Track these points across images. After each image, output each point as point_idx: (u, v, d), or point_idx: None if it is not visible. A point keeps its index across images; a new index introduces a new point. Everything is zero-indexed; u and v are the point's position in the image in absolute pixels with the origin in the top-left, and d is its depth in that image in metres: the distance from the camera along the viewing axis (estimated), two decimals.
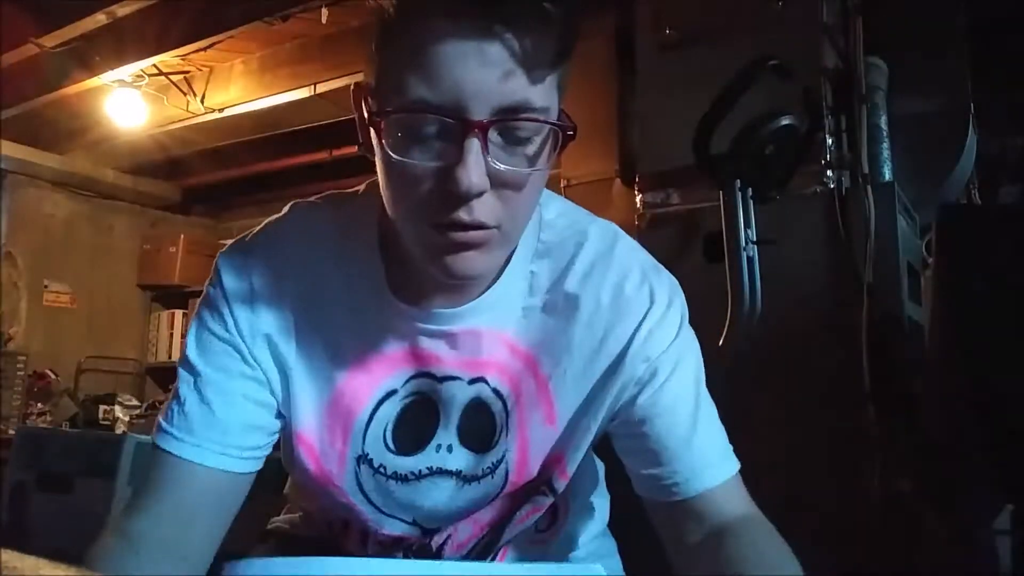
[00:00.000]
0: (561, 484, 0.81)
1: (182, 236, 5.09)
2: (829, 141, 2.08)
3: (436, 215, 0.62)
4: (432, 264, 0.65)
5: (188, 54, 3.63)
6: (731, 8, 2.24)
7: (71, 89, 3.78)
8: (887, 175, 2.16)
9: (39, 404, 4.36)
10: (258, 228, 0.80)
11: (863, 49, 2.15)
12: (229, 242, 0.83)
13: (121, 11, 3.10)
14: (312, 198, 0.82)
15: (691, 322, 0.86)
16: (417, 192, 0.62)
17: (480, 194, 0.60)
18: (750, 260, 1.80)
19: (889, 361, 1.87)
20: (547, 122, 0.62)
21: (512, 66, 0.58)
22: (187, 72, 3.91)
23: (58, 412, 4.34)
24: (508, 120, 0.60)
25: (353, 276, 0.75)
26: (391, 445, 0.77)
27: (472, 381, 0.76)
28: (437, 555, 0.83)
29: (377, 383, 0.76)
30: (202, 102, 3.94)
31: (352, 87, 0.69)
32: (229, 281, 0.75)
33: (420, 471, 0.78)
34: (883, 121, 2.19)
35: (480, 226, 0.62)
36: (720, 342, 1.75)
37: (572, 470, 0.80)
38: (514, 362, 0.76)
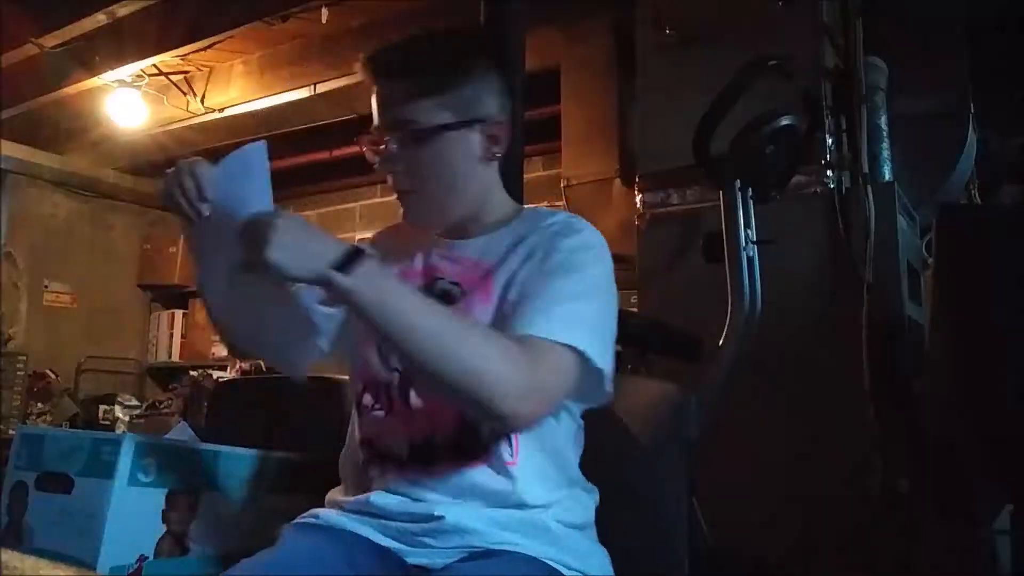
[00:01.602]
0: None
1: (182, 236, 5.07)
2: (829, 141, 2.08)
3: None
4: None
5: (188, 54, 3.63)
6: (731, 8, 2.24)
7: (71, 89, 3.78)
8: (887, 175, 2.16)
9: (39, 404, 4.36)
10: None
11: (863, 49, 2.16)
12: None
13: (121, 11, 3.11)
14: None
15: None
16: None
17: (390, 172, 1.02)
18: (750, 260, 1.80)
19: (889, 361, 1.87)
20: (410, 130, 0.99)
21: (397, 100, 1.00)
22: (187, 72, 3.92)
23: (58, 412, 4.34)
24: (392, 131, 1.00)
25: (402, 233, 1.15)
26: None
27: (451, 283, 1.04)
28: (432, 446, 0.98)
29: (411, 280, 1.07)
30: (202, 102, 3.94)
31: None
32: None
33: None
34: (883, 121, 2.19)
35: (397, 191, 1.04)
36: (720, 342, 1.75)
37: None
38: (478, 273, 1.03)
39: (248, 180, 0.92)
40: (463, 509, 0.94)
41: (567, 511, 0.99)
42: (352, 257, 0.82)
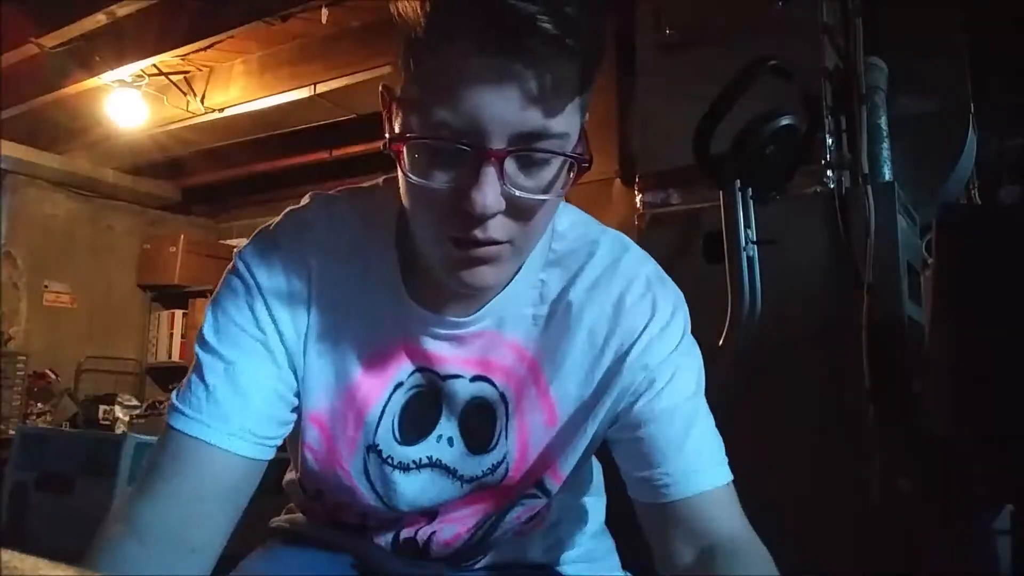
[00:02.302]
0: (554, 486, 0.83)
1: (182, 236, 5.09)
2: (829, 141, 2.07)
3: (452, 230, 0.65)
4: (447, 275, 0.69)
5: (188, 54, 3.63)
6: (731, 8, 2.24)
7: (71, 89, 3.78)
8: (887, 175, 2.16)
9: (39, 404, 4.36)
10: (280, 218, 0.82)
11: (863, 49, 2.15)
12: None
13: (121, 11, 3.10)
14: (331, 191, 0.84)
15: (691, 321, 0.86)
16: (435, 209, 0.65)
17: (494, 215, 0.63)
18: (750, 260, 1.80)
19: (889, 361, 1.87)
20: (561, 153, 0.65)
21: (532, 97, 0.61)
22: (187, 72, 3.91)
23: (58, 412, 4.34)
24: (523, 150, 0.63)
25: (371, 270, 0.78)
26: (397, 435, 0.80)
27: (474, 379, 0.78)
28: (424, 550, 0.85)
29: (389, 376, 0.79)
30: (202, 102, 3.93)
31: (380, 86, 0.71)
32: (253, 267, 0.77)
33: (420, 460, 0.80)
34: (883, 121, 2.19)
35: (493, 242, 0.65)
36: (720, 342, 1.75)
37: (566, 474, 0.82)
38: (519, 366, 0.78)
39: None
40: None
41: (588, 524, 0.95)
42: None
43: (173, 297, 5.18)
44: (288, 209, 0.82)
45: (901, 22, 2.32)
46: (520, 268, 0.76)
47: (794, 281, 1.97)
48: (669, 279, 0.85)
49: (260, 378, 0.74)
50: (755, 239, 1.81)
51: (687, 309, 0.84)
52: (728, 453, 0.83)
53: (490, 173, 0.61)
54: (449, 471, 0.80)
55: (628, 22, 2.52)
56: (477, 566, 0.89)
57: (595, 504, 0.99)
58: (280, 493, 1.11)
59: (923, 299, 2.09)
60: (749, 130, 1.77)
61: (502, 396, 0.79)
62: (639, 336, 0.78)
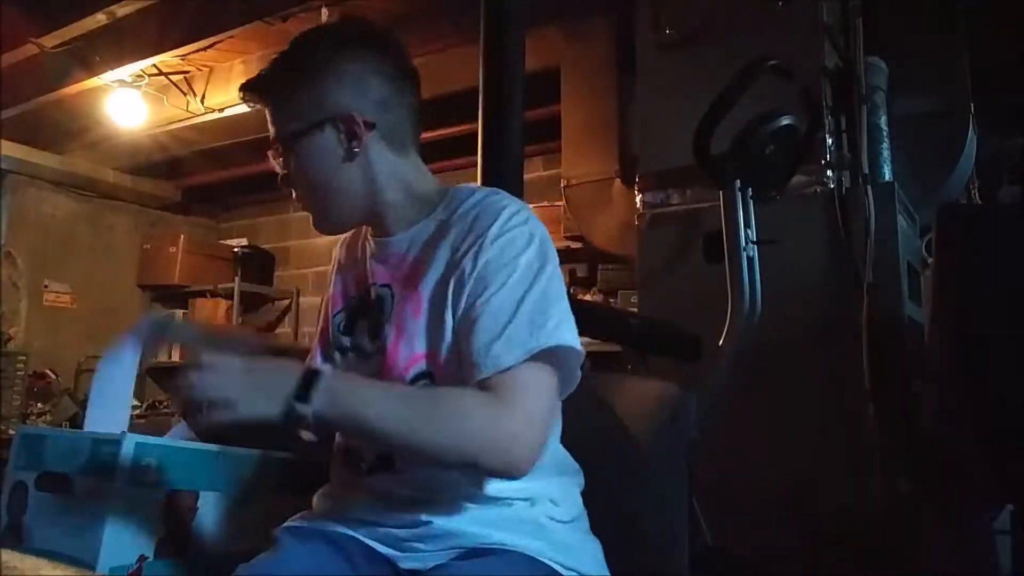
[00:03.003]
0: (443, 382, 0.96)
1: (182, 236, 5.09)
2: (829, 141, 2.08)
3: None
4: None
5: (188, 54, 3.63)
6: (731, 8, 2.24)
7: (71, 89, 3.78)
8: (887, 175, 2.16)
9: (39, 404, 4.36)
10: None
11: (863, 49, 2.16)
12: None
13: (121, 11, 3.10)
14: None
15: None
16: None
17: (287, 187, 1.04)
18: (750, 260, 1.80)
19: (889, 361, 1.87)
20: (283, 139, 1.01)
21: (271, 120, 1.03)
22: (187, 72, 3.91)
23: (58, 412, 4.33)
24: (274, 145, 1.03)
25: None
26: (341, 328, 1.10)
27: (382, 286, 1.04)
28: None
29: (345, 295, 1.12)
30: (202, 102, 3.94)
31: None
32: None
33: (348, 345, 1.07)
34: (883, 121, 2.19)
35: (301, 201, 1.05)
36: (720, 342, 1.75)
37: (442, 358, 0.96)
38: (407, 272, 1.01)
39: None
40: (449, 511, 0.93)
41: (556, 506, 0.97)
42: (308, 383, 0.83)
43: (173, 297, 5.17)
44: None
45: (901, 22, 2.32)
46: (428, 213, 1.02)
47: (794, 281, 1.97)
48: (528, 212, 1.00)
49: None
50: (755, 239, 1.81)
51: (542, 230, 0.98)
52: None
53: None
54: (364, 353, 1.04)
55: (628, 22, 2.52)
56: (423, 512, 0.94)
57: (555, 478, 0.99)
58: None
59: (923, 299, 2.09)
60: (749, 130, 1.77)
61: (392, 295, 1.02)
62: (473, 218, 0.97)
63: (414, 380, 0.96)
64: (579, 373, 0.96)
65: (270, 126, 1.02)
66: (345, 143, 0.99)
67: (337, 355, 1.08)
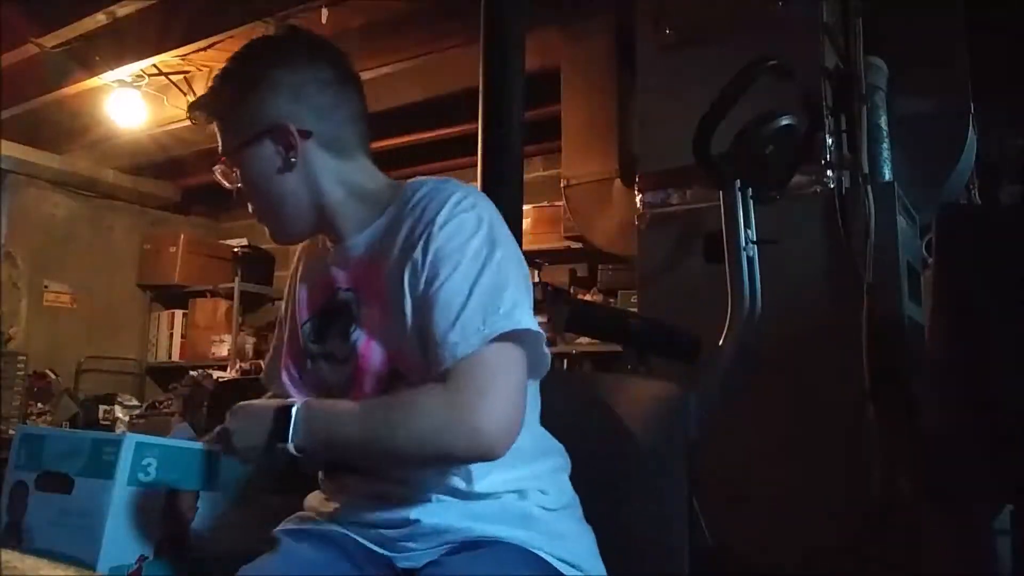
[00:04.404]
0: (412, 373, 0.95)
1: (182, 236, 5.08)
2: (829, 141, 2.08)
3: None
4: None
5: (188, 54, 3.63)
6: (731, 8, 2.24)
7: (71, 89, 3.78)
8: (887, 175, 2.16)
9: (39, 404, 4.36)
10: None
11: (863, 49, 2.15)
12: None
13: (121, 11, 3.10)
14: None
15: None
16: None
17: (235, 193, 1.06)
18: (750, 260, 1.80)
19: (889, 361, 1.87)
20: (217, 162, 1.05)
21: (216, 136, 1.06)
22: (187, 72, 3.91)
23: (58, 412, 4.33)
24: (218, 161, 1.06)
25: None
26: (312, 336, 1.09)
27: (346, 290, 1.04)
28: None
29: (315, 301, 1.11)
30: None
31: None
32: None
33: (318, 352, 1.07)
34: (883, 121, 2.19)
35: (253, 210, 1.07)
36: (720, 342, 1.75)
37: (414, 360, 0.94)
38: (368, 274, 1.01)
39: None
40: (436, 508, 0.93)
41: (546, 495, 0.97)
42: (281, 420, 0.89)
43: (173, 297, 5.17)
44: None
45: (901, 22, 2.32)
46: (384, 212, 1.02)
47: (794, 281, 1.97)
48: (478, 196, 0.99)
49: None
50: (755, 239, 1.81)
51: (491, 211, 0.98)
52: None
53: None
54: (335, 359, 1.04)
55: (628, 22, 2.52)
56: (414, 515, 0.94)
57: (540, 462, 0.99)
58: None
59: (923, 299, 2.09)
60: (749, 130, 1.77)
61: (357, 299, 1.02)
62: (422, 209, 0.97)
63: (390, 380, 0.97)
64: (545, 352, 0.96)
65: (219, 142, 1.05)
66: (283, 153, 1.00)
67: (309, 363, 1.09)
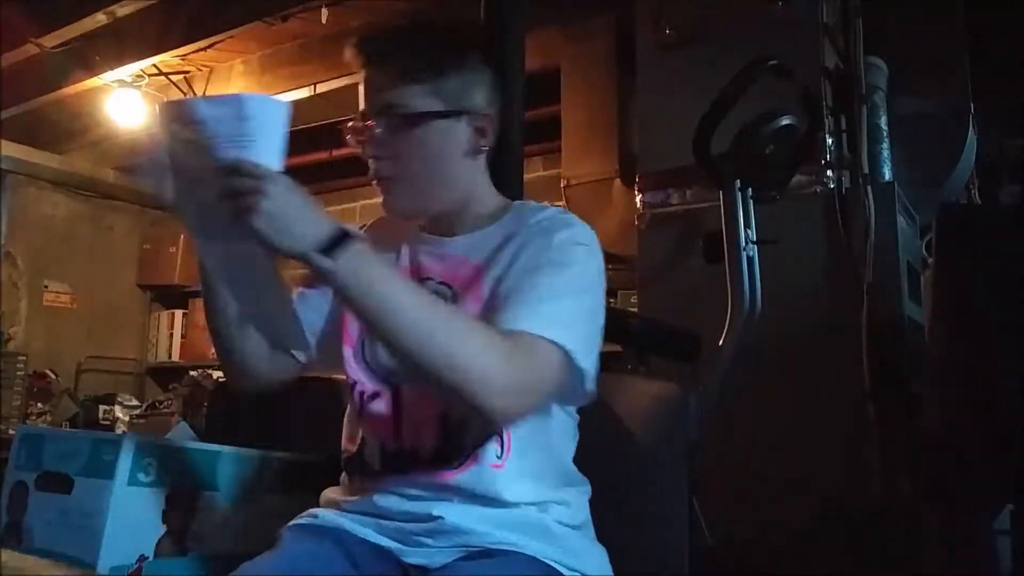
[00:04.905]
0: None
1: (182, 236, 5.07)
2: (829, 141, 2.08)
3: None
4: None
5: (188, 54, 3.63)
6: (731, 8, 2.24)
7: (71, 89, 3.77)
8: (887, 175, 2.16)
9: (39, 404, 4.36)
10: None
11: (863, 49, 2.15)
12: None
13: (121, 11, 3.10)
14: None
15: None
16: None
17: (372, 157, 1.01)
18: (750, 260, 1.80)
19: (889, 361, 1.87)
20: (397, 114, 0.99)
21: (379, 87, 1.00)
22: (187, 72, 3.91)
23: (58, 412, 4.33)
24: (380, 115, 1.00)
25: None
26: None
27: (440, 283, 1.03)
28: (411, 453, 0.99)
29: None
30: None
31: None
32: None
33: None
34: (883, 121, 2.19)
35: (379, 177, 1.01)
36: (720, 342, 1.75)
37: None
38: (469, 273, 1.02)
39: (256, 130, 0.80)
40: (461, 509, 0.94)
41: (565, 511, 0.99)
42: (337, 241, 0.79)
43: (173, 297, 5.17)
44: None
45: (901, 22, 2.32)
46: (496, 219, 1.04)
47: (794, 281, 1.97)
48: (588, 228, 1.03)
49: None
50: (755, 239, 1.81)
51: (597, 260, 1.02)
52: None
53: (368, 131, 1.00)
54: None
55: (628, 22, 2.52)
56: (453, 481, 0.95)
57: (574, 494, 1.01)
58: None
59: (923, 299, 2.09)
60: (749, 130, 1.77)
61: (454, 294, 1.02)
62: (543, 228, 1.00)
63: None
64: (582, 395, 0.97)
65: (377, 91, 1.00)
66: (473, 139, 1.02)
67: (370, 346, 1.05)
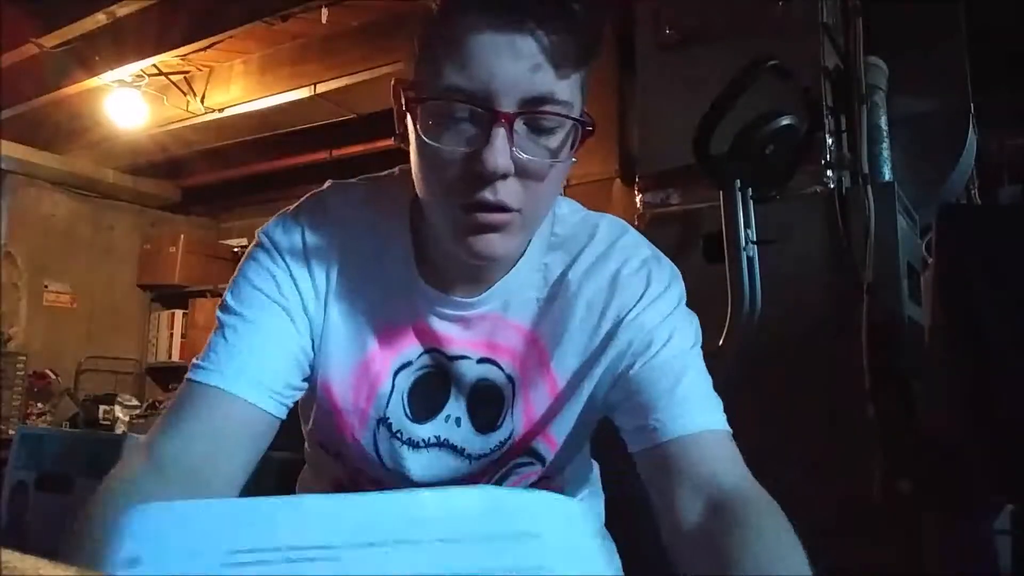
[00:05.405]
0: (548, 452, 0.84)
1: (182, 236, 5.08)
2: (829, 141, 2.07)
3: (463, 195, 0.67)
4: (458, 244, 0.70)
5: (188, 54, 3.63)
6: (731, 8, 2.24)
7: (71, 89, 3.77)
8: (887, 175, 2.16)
9: (39, 404, 4.36)
10: (302, 200, 0.85)
11: (863, 49, 2.15)
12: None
13: (121, 11, 3.10)
14: (350, 180, 0.87)
15: None
16: (447, 174, 0.67)
17: (504, 177, 0.66)
18: (750, 260, 1.80)
19: (889, 361, 1.87)
20: (568, 116, 0.67)
21: (540, 61, 0.64)
22: (187, 72, 3.91)
23: (58, 412, 4.34)
24: (533, 112, 0.66)
25: (385, 251, 0.80)
26: (408, 412, 0.82)
27: (480, 360, 0.81)
28: None
29: (396, 354, 0.81)
30: (202, 102, 3.93)
31: (392, 81, 0.74)
32: (276, 240, 0.80)
33: (429, 439, 0.83)
34: (883, 121, 2.19)
35: (503, 208, 0.67)
36: (720, 342, 1.75)
37: (560, 440, 0.84)
38: (523, 347, 0.81)
39: None
40: None
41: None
42: None
43: (173, 297, 5.17)
44: (309, 193, 0.85)
45: (901, 22, 2.31)
46: (524, 252, 0.79)
47: (794, 281, 1.97)
48: (665, 257, 0.86)
49: (279, 338, 0.77)
50: (755, 239, 1.81)
51: (683, 284, 0.87)
52: None
53: (500, 134, 0.64)
54: (457, 450, 0.83)
55: (628, 22, 2.52)
56: None
57: (593, 503, 1.01)
58: (288, 493, 1.11)
59: (923, 299, 2.09)
60: (749, 130, 1.77)
61: (509, 378, 0.81)
62: (635, 305, 0.80)
63: (514, 467, 0.85)
64: None
65: (529, 75, 0.64)
66: (575, 147, 0.71)
67: (383, 434, 0.83)
